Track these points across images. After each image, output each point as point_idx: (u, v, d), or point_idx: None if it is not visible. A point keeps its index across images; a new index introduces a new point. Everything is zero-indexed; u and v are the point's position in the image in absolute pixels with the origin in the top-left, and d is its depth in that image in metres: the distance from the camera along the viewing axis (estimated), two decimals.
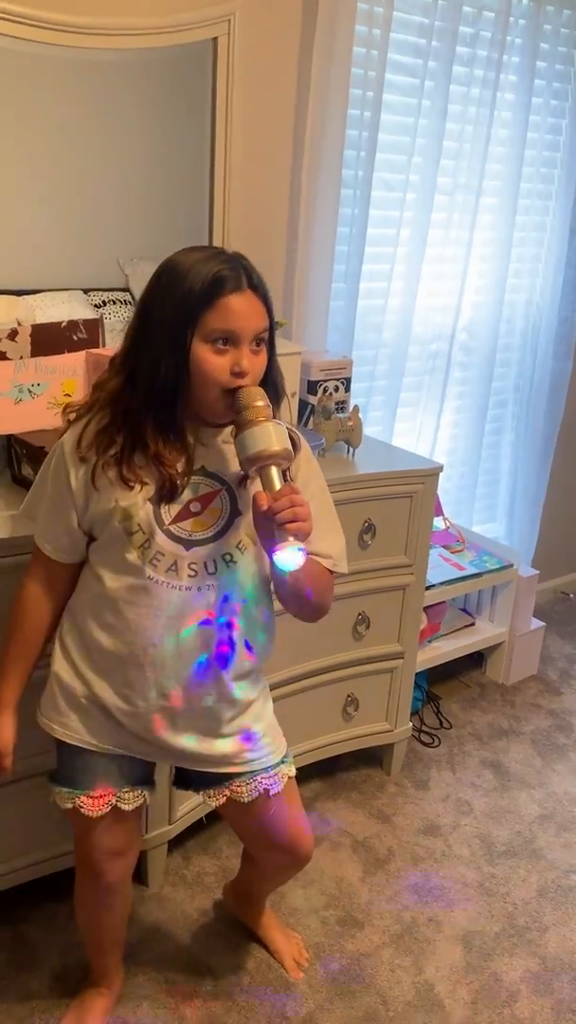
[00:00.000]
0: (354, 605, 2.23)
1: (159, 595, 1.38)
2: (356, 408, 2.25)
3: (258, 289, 1.31)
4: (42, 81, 1.97)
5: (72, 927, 1.89)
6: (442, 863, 2.25)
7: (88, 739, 1.48)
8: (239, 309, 1.28)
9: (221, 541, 1.39)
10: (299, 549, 1.23)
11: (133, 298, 2.16)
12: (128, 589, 1.39)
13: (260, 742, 1.54)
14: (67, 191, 2.07)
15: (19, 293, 2.02)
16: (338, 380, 2.35)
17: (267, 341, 1.34)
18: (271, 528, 1.25)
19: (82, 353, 1.91)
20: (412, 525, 2.25)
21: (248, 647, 1.47)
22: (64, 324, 1.92)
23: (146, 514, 1.35)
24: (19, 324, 1.90)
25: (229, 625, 1.43)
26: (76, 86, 2.02)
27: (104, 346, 1.96)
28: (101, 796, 1.50)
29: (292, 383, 2.15)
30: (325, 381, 2.32)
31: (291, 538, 1.23)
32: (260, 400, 1.28)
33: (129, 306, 2.16)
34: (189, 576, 1.38)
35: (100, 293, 2.15)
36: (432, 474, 2.26)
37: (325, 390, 2.32)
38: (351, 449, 2.25)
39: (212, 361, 1.29)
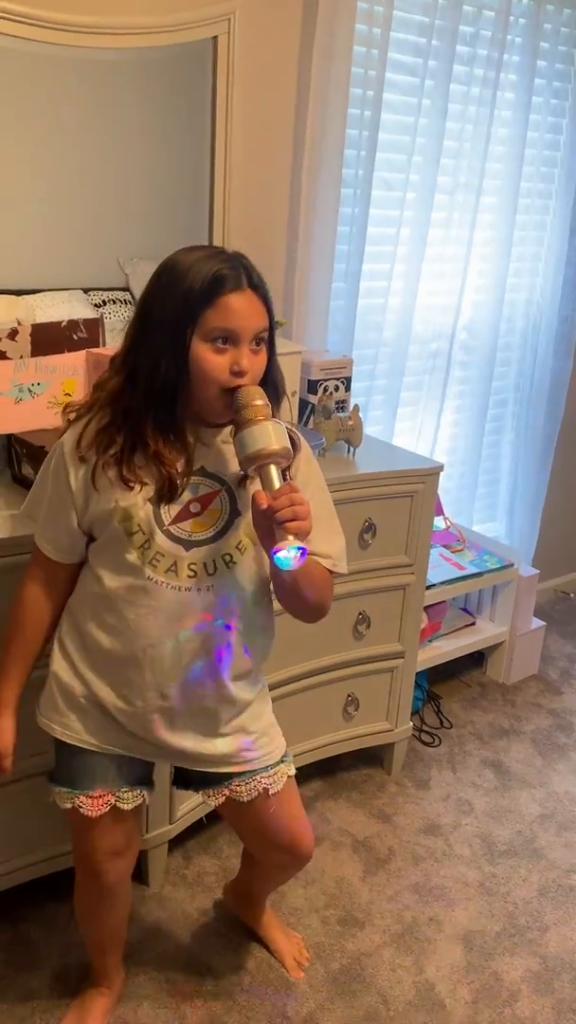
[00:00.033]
0: (354, 604, 2.23)
1: (158, 595, 1.38)
2: (356, 407, 2.25)
3: (258, 288, 1.31)
4: (42, 80, 1.97)
5: (72, 927, 1.89)
6: (443, 863, 2.25)
7: (87, 739, 1.48)
8: (239, 308, 1.28)
9: (221, 542, 1.39)
10: (299, 548, 1.23)
11: (133, 298, 2.16)
12: (127, 589, 1.39)
13: (259, 741, 1.54)
14: (67, 191, 2.07)
15: (19, 293, 2.02)
16: (338, 379, 2.35)
17: (267, 341, 1.34)
18: (271, 527, 1.25)
19: (82, 352, 1.91)
20: (412, 524, 2.25)
21: (246, 651, 1.47)
22: (64, 323, 1.92)
23: (146, 514, 1.35)
24: (19, 323, 1.90)
25: (227, 628, 1.42)
26: (76, 85, 2.02)
27: (104, 345, 1.96)
28: (100, 796, 1.50)
29: (292, 382, 2.15)
30: (325, 380, 2.32)
31: (291, 537, 1.23)
32: (259, 399, 1.28)
33: (129, 306, 2.16)
34: (188, 576, 1.38)
35: (100, 293, 2.15)
36: (432, 473, 2.26)
37: (325, 389, 2.32)
38: (351, 449, 2.24)
39: (211, 360, 1.29)
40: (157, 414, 1.32)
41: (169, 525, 1.36)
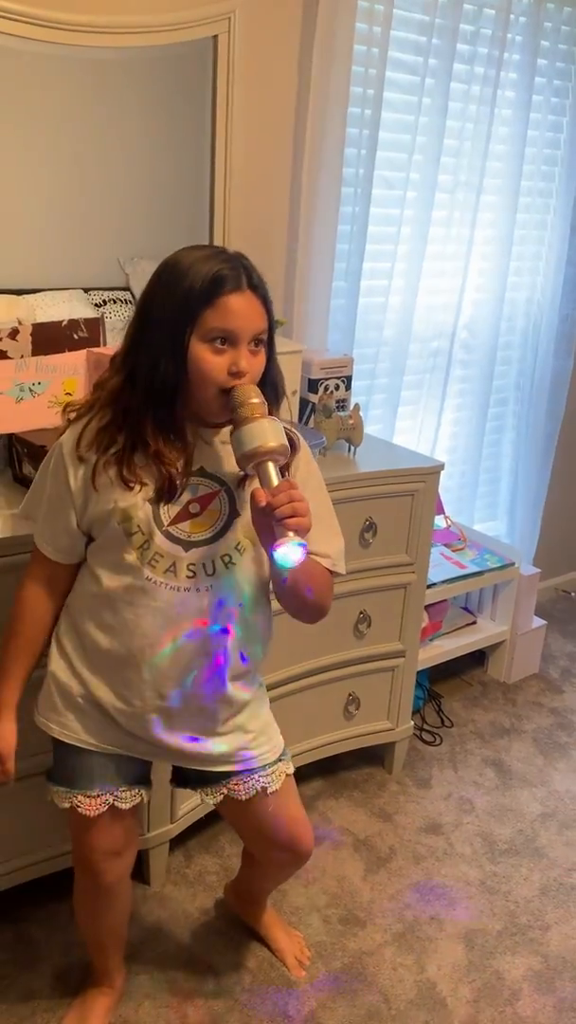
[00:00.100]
0: (355, 603, 2.23)
1: (157, 596, 1.38)
2: (357, 406, 2.25)
3: (258, 289, 1.31)
4: (42, 80, 1.97)
5: (73, 926, 1.89)
6: (444, 861, 2.25)
7: (85, 738, 1.48)
8: (238, 309, 1.28)
9: (219, 542, 1.38)
10: (299, 544, 1.23)
11: (134, 297, 2.16)
12: (126, 589, 1.39)
13: (257, 740, 1.54)
14: (67, 190, 2.07)
15: (20, 292, 2.02)
16: (339, 378, 2.35)
17: (266, 342, 1.34)
18: (270, 525, 1.25)
19: (83, 352, 1.91)
20: (413, 523, 2.25)
21: (245, 651, 1.47)
22: (65, 323, 1.92)
23: (145, 515, 1.35)
24: (20, 323, 1.90)
25: (225, 631, 1.42)
26: (76, 85, 2.02)
27: (105, 345, 1.96)
28: (98, 795, 1.50)
29: (293, 381, 2.15)
30: (326, 379, 2.32)
31: (290, 533, 1.22)
32: (255, 397, 1.28)
33: (129, 305, 2.16)
34: (187, 577, 1.38)
35: (100, 292, 2.15)
36: (433, 472, 2.26)
37: (326, 388, 2.32)
38: (352, 448, 2.24)
39: (210, 360, 1.29)
40: (157, 413, 1.32)
41: (168, 526, 1.36)
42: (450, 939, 2.02)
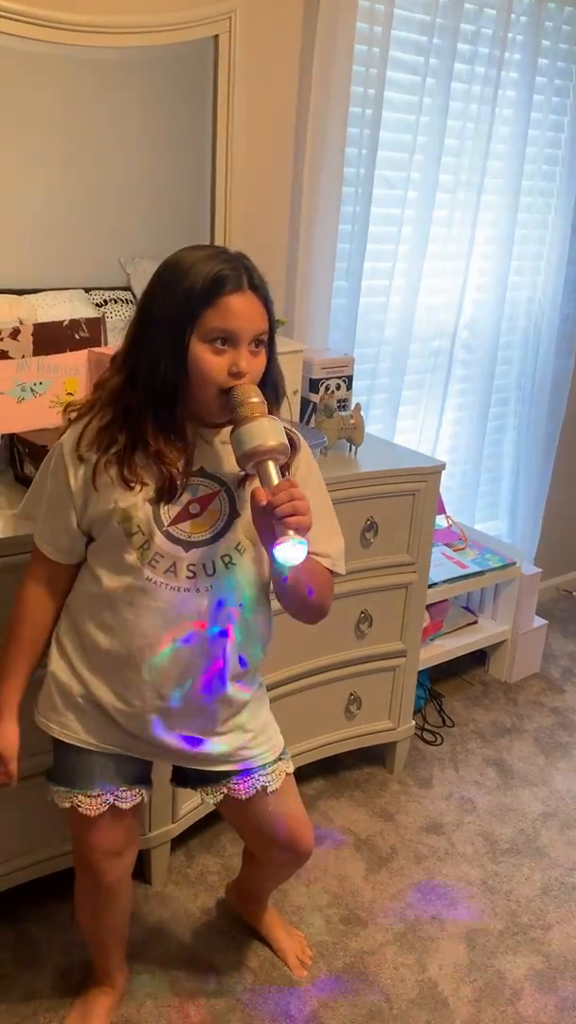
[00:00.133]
0: (356, 603, 2.23)
1: (157, 596, 1.38)
2: (358, 406, 2.25)
3: (259, 290, 1.31)
4: (43, 80, 1.97)
5: (75, 926, 1.89)
6: (445, 861, 2.25)
7: (85, 738, 1.48)
8: (239, 309, 1.28)
9: (220, 542, 1.38)
10: (300, 543, 1.23)
11: (134, 297, 2.16)
12: (126, 589, 1.39)
13: (256, 739, 1.54)
14: (68, 190, 2.07)
15: (21, 292, 2.02)
16: (340, 378, 2.35)
17: (266, 343, 1.34)
18: (270, 524, 1.24)
19: (84, 352, 1.91)
20: (414, 523, 2.25)
21: (244, 653, 1.47)
22: (66, 323, 1.92)
23: (145, 515, 1.35)
24: (21, 323, 1.90)
25: (225, 632, 1.42)
26: (77, 84, 2.02)
27: (106, 345, 1.96)
28: (98, 795, 1.50)
29: (294, 381, 2.15)
30: (327, 379, 2.32)
31: (291, 532, 1.22)
32: (255, 397, 1.28)
33: (130, 305, 2.16)
34: (187, 577, 1.38)
35: (101, 292, 2.15)
36: (434, 472, 2.26)
37: (327, 388, 2.32)
38: (353, 447, 2.24)
39: (210, 361, 1.29)
40: (157, 413, 1.32)
41: (168, 526, 1.36)
42: (451, 939, 2.02)
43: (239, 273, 1.28)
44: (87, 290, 2.13)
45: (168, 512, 1.36)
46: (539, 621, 3.07)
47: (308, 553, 1.25)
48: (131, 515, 1.35)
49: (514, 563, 2.87)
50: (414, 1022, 1.82)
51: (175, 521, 1.36)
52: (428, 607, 2.57)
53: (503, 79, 2.63)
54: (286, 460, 1.31)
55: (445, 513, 2.91)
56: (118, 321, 2.10)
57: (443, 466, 2.29)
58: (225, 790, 1.55)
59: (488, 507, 3.30)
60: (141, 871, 2.06)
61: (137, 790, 1.54)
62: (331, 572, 1.45)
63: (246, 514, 1.37)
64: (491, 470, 3.23)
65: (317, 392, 2.30)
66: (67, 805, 1.51)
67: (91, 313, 2.08)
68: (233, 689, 1.47)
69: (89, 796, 1.49)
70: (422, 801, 2.45)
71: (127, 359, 1.34)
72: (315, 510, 1.29)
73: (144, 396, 1.31)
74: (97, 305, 2.13)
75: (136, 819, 1.61)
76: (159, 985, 1.85)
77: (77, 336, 1.93)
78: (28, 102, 1.96)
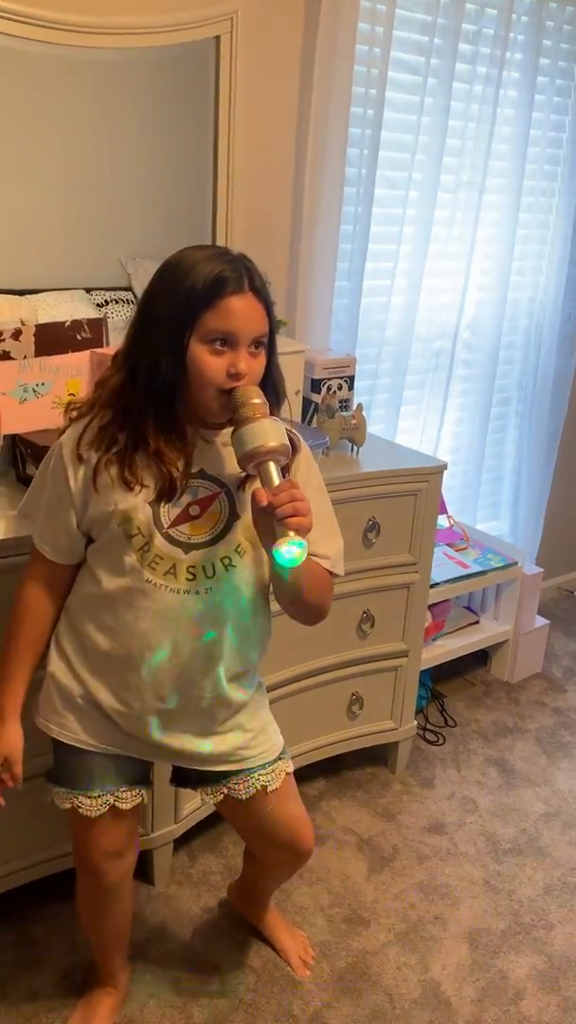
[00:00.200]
0: (359, 603, 2.23)
1: (157, 598, 1.38)
2: (360, 406, 2.25)
3: (260, 292, 1.30)
4: (44, 80, 1.97)
5: (77, 926, 1.89)
6: (447, 861, 2.25)
7: (85, 739, 1.48)
8: (239, 311, 1.28)
9: (219, 545, 1.38)
10: (300, 544, 1.22)
11: (135, 297, 2.16)
12: (125, 591, 1.38)
13: (256, 739, 1.54)
14: (69, 190, 2.07)
15: (22, 293, 2.03)
16: (341, 378, 2.35)
17: (266, 344, 1.34)
18: (271, 525, 1.24)
19: (86, 352, 1.91)
20: (416, 523, 2.25)
21: (242, 659, 1.47)
22: (68, 324, 1.92)
23: (145, 517, 1.35)
24: (23, 324, 1.90)
25: (223, 635, 1.42)
26: (78, 85, 2.02)
27: (108, 346, 1.96)
28: (99, 796, 1.50)
29: (295, 381, 2.15)
30: (328, 379, 2.32)
31: (291, 533, 1.22)
32: (256, 398, 1.28)
33: (131, 305, 2.16)
34: (187, 579, 1.38)
35: (102, 292, 2.15)
36: (436, 472, 2.26)
37: (329, 388, 2.32)
38: (355, 447, 2.24)
39: (209, 362, 1.29)
40: (157, 412, 1.32)
41: (168, 528, 1.36)
42: (454, 938, 2.02)
43: (240, 274, 1.28)
44: (88, 290, 2.13)
45: (168, 514, 1.36)
46: (541, 621, 3.07)
47: (308, 554, 1.25)
48: (131, 517, 1.35)
49: (516, 563, 2.87)
50: (417, 1022, 1.82)
51: (175, 523, 1.36)
52: (430, 607, 2.57)
53: (504, 79, 2.63)
54: (287, 461, 1.31)
55: (447, 513, 2.91)
56: (119, 321, 2.10)
57: (445, 466, 2.29)
58: (225, 790, 1.55)
59: (490, 507, 3.30)
60: (144, 871, 2.06)
61: (137, 790, 1.54)
62: (330, 573, 1.45)
63: (246, 516, 1.37)
64: (493, 470, 3.23)
65: (319, 392, 2.30)
66: (67, 806, 1.51)
67: (92, 313, 2.08)
68: (232, 690, 1.47)
69: (89, 797, 1.49)
70: (424, 801, 2.45)
71: (127, 358, 1.34)
72: (315, 511, 1.28)
73: (144, 395, 1.31)
74: (98, 305, 2.13)
75: (136, 820, 1.61)
76: (162, 985, 1.85)
77: (79, 337, 1.93)
78: (30, 102, 1.96)
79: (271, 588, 1.47)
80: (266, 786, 1.55)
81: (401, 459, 2.30)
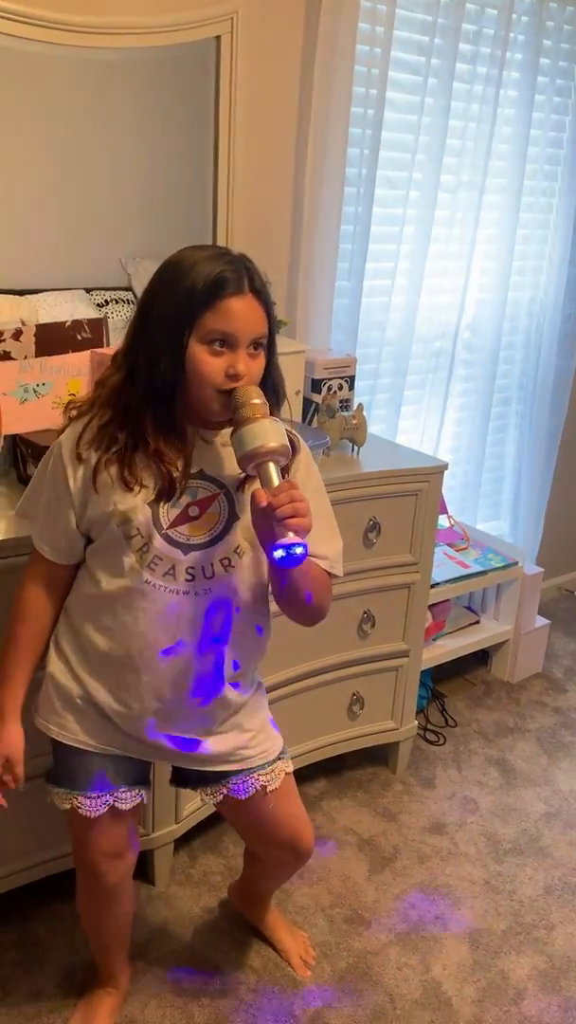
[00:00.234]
0: (359, 604, 2.23)
1: (156, 599, 1.38)
2: (360, 406, 2.25)
3: (260, 293, 1.30)
4: (44, 80, 1.97)
5: (79, 926, 1.89)
6: (448, 861, 2.25)
7: (84, 739, 1.48)
8: (238, 312, 1.28)
9: (219, 545, 1.38)
10: (299, 545, 1.22)
11: (135, 297, 2.16)
12: (124, 592, 1.38)
13: (255, 739, 1.54)
14: (69, 190, 2.07)
15: (22, 293, 2.03)
16: (342, 378, 2.35)
17: (266, 345, 1.33)
18: (270, 525, 1.24)
19: (87, 353, 1.91)
20: (417, 523, 2.25)
21: (240, 660, 1.46)
22: (68, 324, 1.92)
23: (145, 518, 1.35)
24: (23, 324, 1.90)
25: (223, 634, 1.42)
26: (79, 85, 2.02)
27: (108, 346, 1.96)
28: (98, 796, 1.50)
29: (296, 382, 2.15)
30: (329, 379, 2.32)
31: (291, 534, 1.22)
32: (257, 398, 1.28)
33: (131, 305, 2.16)
34: (186, 580, 1.38)
35: (103, 292, 2.15)
36: (437, 472, 2.26)
37: (329, 388, 2.32)
38: (355, 448, 2.24)
39: (208, 362, 1.28)
40: (156, 411, 1.32)
41: (167, 529, 1.36)
42: (455, 939, 2.02)
43: (240, 275, 1.28)
44: (88, 290, 2.13)
45: (167, 515, 1.36)
46: (541, 621, 3.07)
47: (307, 555, 1.25)
48: (130, 518, 1.34)
49: (516, 563, 2.87)
50: (418, 1022, 1.82)
51: (174, 524, 1.36)
52: (430, 607, 2.57)
53: (505, 79, 2.63)
54: (287, 462, 1.30)
55: (447, 513, 2.91)
56: (119, 321, 2.10)
57: (445, 466, 2.29)
58: (224, 790, 1.55)
59: (490, 507, 3.30)
60: (144, 871, 2.06)
61: (136, 791, 1.54)
62: (329, 574, 1.45)
63: (245, 517, 1.36)
64: (493, 470, 3.23)
65: (319, 392, 2.30)
66: (67, 806, 1.51)
67: (92, 313, 2.08)
68: (230, 691, 1.47)
69: (88, 797, 1.49)
70: (425, 801, 2.45)
71: (127, 357, 1.34)
72: (314, 512, 1.28)
73: (143, 394, 1.31)
74: (98, 305, 2.13)
75: (136, 820, 1.61)
76: (163, 985, 1.85)
77: (79, 337, 1.93)
78: (30, 102, 1.96)
79: (270, 589, 1.47)
80: (266, 786, 1.55)
81: (402, 459, 2.30)
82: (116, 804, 1.51)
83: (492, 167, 2.70)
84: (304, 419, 2.29)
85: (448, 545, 2.87)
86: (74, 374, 1.89)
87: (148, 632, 1.39)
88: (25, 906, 1.97)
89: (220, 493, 1.38)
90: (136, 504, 1.34)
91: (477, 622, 2.95)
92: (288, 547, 1.22)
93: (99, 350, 1.91)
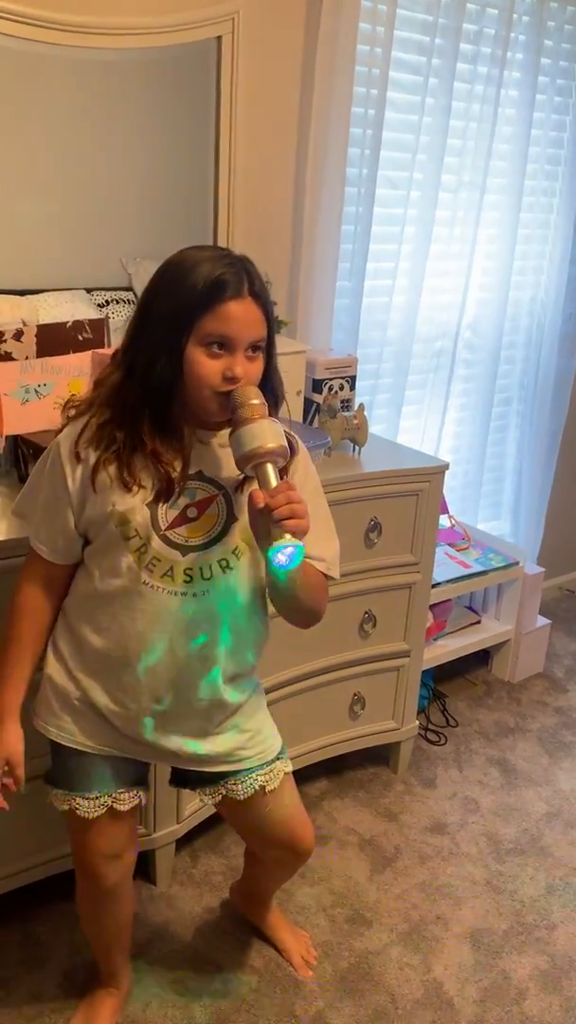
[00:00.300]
0: (360, 604, 2.23)
1: (154, 600, 1.37)
2: (361, 406, 2.25)
3: (259, 297, 1.30)
4: (45, 80, 1.97)
5: (80, 926, 1.89)
6: (449, 861, 2.25)
7: (82, 740, 1.48)
8: (237, 316, 1.27)
9: (217, 547, 1.38)
10: (297, 546, 1.22)
11: (136, 297, 2.16)
12: (122, 593, 1.38)
13: (253, 740, 1.54)
14: (70, 190, 2.08)
15: (22, 293, 2.03)
16: (343, 379, 2.35)
17: (264, 348, 1.33)
18: (267, 526, 1.24)
19: (88, 353, 1.91)
20: (418, 523, 2.25)
21: (238, 661, 1.46)
22: (69, 324, 1.92)
23: (143, 519, 1.34)
24: (24, 324, 1.90)
25: (221, 635, 1.42)
26: (79, 85, 2.02)
27: (109, 346, 1.96)
28: (96, 797, 1.49)
29: (297, 382, 2.15)
30: (330, 380, 2.32)
31: (288, 535, 1.22)
32: (255, 398, 1.27)
33: (132, 305, 2.16)
34: (184, 582, 1.37)
35: (103, 292, 2.15)
36: (438, 472, 2.26)
37: (330, 389, 2.32)
38: (357, 448, 2.24)
39: (205, 364, 1.28)
40: (154, 411, 1.32)
41: (166, 530, 1.35)
42: (456, 939, 2.02)
43: (240, 278, 1.28)
44: (89, 290, 2.13)
45: (166, 516, 1.35)
46: (542, 621, 3.07)
47: (304, 556, 1.25)
48: (128, 519, 1.34)
49: (517, 563, 2.87)
50: (419, 1022, 1.82)
51: (172, 525, 1.36)
52: (431, 607, 2.57)
53: (505, 79, 2.63)
54: (285, 463, 1.30)
55: (448, 513, 2.91)
56: (120, 321, 2.10)
57: (446, 466, 2.29)
58: (223, 791, 1.55)
59: (491, 507, 3.29)
60: (145, 872, 2.06)
61: (135, 792, 1.54)
62: (326, 576, 1.45)
63: (243, 518, 1.36)
64: (494, 470, 3.23)
65: (320, 393, 2.30)
66: (65, 807, 1.51)
67: (93, 313, 2.08)
68: (228, 692, 1.47)
69: (87, 798, 1.49)
70: (426, 801, 2.45)
71: (126, 355, 1.34)
72: (312, 514, 1.28)
73: (141, 393, 1.31)
74: (99, 306, 2.13)
75: (134, 821, 1.60)
76: (164, 985, 1.85)
77: (80, 337, 1.93)
78: (30, 102, 1.96)
79: (267, 591, 1.47)
80: (264, 786, 1.55)
81: (403, 459, 2.30)
82: (114, 805, 1.51)
83: (493, 167, 2.70)
84: (305, 419, 2.29)
85: (449, 545, 2.87)
86: (75, 375, 1.89)
87: (146, 633, 1.39)
88: (27, 906, 1.97)
89: (219, 494, 1.38)
90: (134, 505, 1.34)
91: (478, 622, 2.95)
92: (285, 548, 1.21)
93: (100, 350, 1.91)
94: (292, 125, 2.31)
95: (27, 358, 1.85)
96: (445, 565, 2.74)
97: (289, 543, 1.21)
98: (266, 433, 1.24)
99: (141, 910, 2.00)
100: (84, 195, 2.09)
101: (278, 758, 1.58)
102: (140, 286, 2.13)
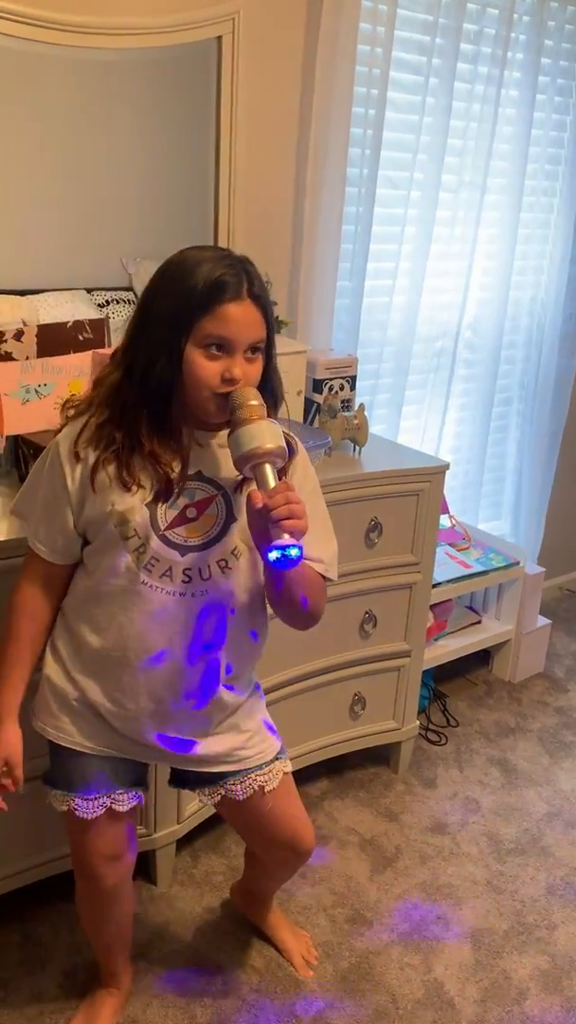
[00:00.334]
0: (361, 604, 2.23)
1: (152, 600, 1.37)
2: (362, 406, 2.25)
3: (258, 299, 1.30)
4: (45, 80, 1.97)
5: (81, 926, 1.89)
6: (450, 861, 2.25)
7: (80, 741, 1.48)
8: (236, 317, 1.27)
9: (216, 547, 1.38)
10: (295, 547, 1.22)
11: (137, 297, 2.16)
12: (121, 593, 1.38)
13: (252, 740, 1.54)
14: (70, 190, 2.07)
15: (23, 293, 2.02)
16: (343, 379, 2.35)
17: (263, 349, 1.33)
18: (266, 527, 1.24)
19: (88, 353, 1.91)
20: (418, 523, 2.25)
21: (237, 661, 1.46)
22: (70, 324, 1.92)
23: (142, 519, 1.34)
24: (25, 324, 1.90)
25: (219, 635, 1.42)
26: (79, 85, 2.02)
27: (109, 346, 1.96)
28: (95, 798, 1.49)
29: (297, 382, 2.15)
30: (330, 380, 2.32)
31: (286, 536, 1.21)
32: (254, 399, 1.27)
33: (132, 305, 2.16)
34: (183, 582, 1.37)
35: (103, 293, 2.15)
36: (438, 472, 2.26)
37: (331, 389, 2.32)
38: (357, 448, 2.24)
39: (204, 366, 1.28)
40: (152, 412, 1.31)
41: (165, 530, 1.35)
42: (457, 939, 2.02)
43: (240, 280, 1.27)
44: (89, 290, 2.13)
45: (165, 516, 1.35)
46: (543, 620, 3.07)
47: (302, 557, 1.25)
48: (128, 519, 1.34)
49: (517, 563, 2.87)
50: (420, 1022, 1.82)
51: (171, 525, 1.36)
52: (432, 607, 2.57)
53: (506, 79, 2.63)
54: (284, 464, 1.30)
55: (448, 513, 2.91)
56: (120, 321, 2.10)
57: (447, 466, 2.29)
58: (223, 791, 1.55)
59: (491, 507, 3.29)
60: (146, 872, 2.06)
61: (134, 792, 1.54)
62: (324, 578, 1.45)
63: (243, 519, 1.36)
64: (494, 469, 3.23)
65: (321, 393, 2.30)
66: (64, 808, 1.51)
67: (93, 313, 2.08)
68: (226, 693, 1.47)
69: (85, 799, 1.49)
70: (427, 801, 2.45)
71: (125, 355, 1.34)
72: (310, 515, 1.28)
73: (140, 392, 1.31)
74: (99, 306, 2.13)
75: (133, 822, 1.60)
76: (165, 986, 1.85)
77: (81, 337, 1.93)
78: (30, 102, 1.96)
79: (265, 592, 1.46)
80: (263, 786, 1.55)
81: (403, 459, 2.30)
82: (113, 806, 1.51)
83: (493, 167, 2.70)
84: (305, 419, 2.29)
85: (450, 545, 2.87)
86: (76, 375, 1.89)
87: (144, 633, 1.39)
88: (26, 907, 1.97)
89: (218, 495, 1.38)
90: (134, 505, 1.34)
91: (479, 622, 2.95)
92: (283, 548, 1.21)
93: (100, 350, 1.91)
94: (292, 125, 2.31)
95: (27, 358, 1.85)
96: (445, 565, 2.74)
97: (287, 543, 1.21)
98: (264, 434, 1.24)
99: (142, 910, 2.00)
100: (84, 195, 2.09)
101: (277, 758, 1.58)
102: (140, 286, 2.13)
